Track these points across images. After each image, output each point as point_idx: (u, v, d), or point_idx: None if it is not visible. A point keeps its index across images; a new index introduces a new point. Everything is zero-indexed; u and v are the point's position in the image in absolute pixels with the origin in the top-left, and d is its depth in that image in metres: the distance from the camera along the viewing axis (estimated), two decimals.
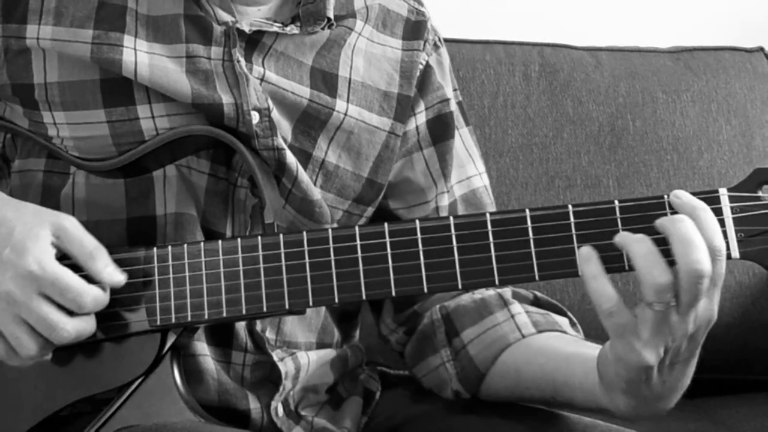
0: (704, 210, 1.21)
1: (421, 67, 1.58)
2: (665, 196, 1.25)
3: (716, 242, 1.20)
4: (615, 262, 1.24)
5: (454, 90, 1.64)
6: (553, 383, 1.39)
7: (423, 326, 1.56)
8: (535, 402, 1.44)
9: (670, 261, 1.19)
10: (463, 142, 1.62)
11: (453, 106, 1.61)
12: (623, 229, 1.24)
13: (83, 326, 1.33)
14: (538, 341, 1.47)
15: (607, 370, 1.27)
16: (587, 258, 1.23)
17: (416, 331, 1.57)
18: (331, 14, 1.50)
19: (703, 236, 1.19)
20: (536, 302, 1.53)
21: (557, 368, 1.39)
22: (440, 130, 1.60)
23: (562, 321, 1.50)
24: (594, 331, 2.22)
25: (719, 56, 2.40)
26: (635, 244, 1.21)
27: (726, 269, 2.21)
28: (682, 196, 1.23)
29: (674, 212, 1.24)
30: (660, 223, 1.22)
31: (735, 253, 1.24)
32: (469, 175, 1.62)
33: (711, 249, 1.19)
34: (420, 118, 1.59)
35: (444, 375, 1.52)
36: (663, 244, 1.20)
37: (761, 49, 2.42)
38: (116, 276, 1.34)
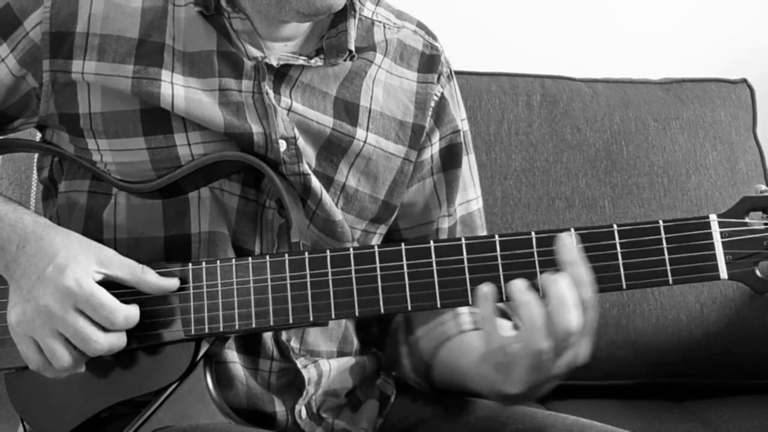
0: (576, 265, 1.23)
1: (435, 98, 1.58)
2: (659, 222, 1.25)
3: (585, 296, 1.22)
4: (612, 282, 1.26)
5: (462, 120, 1.64)
6: (462, 375, 1.44)
7: (391, 331, 1.63)
8: (465, 391, 1.48)
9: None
10: (470, 168, 1.63)
11: (462, 137, 1.61)
12: (621, 251, 1.25)
13: (115, 341, 1.34)
14: (466, 337, 1.52)
15: (478, 383, 1.36)
16: (484, 297, 1.25)
17: (387, 336, 1.63)
18: (352, 47, 1.50)
19: (573, 291, 1.22)
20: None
21: (467, 362, 1.42)
22: (450, 158, 1.60)
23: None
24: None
25: (706, 87, 2.39)
26: (523, 301, 1.23)
27: (713, 283, 2.22)
28: (565, 250, 1.24)
29: (669, 236, 1.25)
30: (541, 279, 1.24)
31: (723, 274, 1.24)
32: (469, 199, 1.63)
33: (583, 300, 1.22)
34: (435, 148, 1.59)
35: (405, 369, 1.59)
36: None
37: (744, 80, 2.41)
38: (170, 281, 1.37)
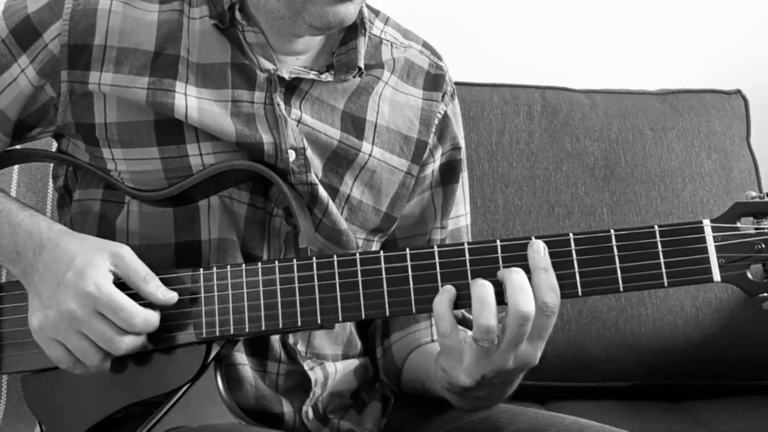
0: (545, 270, 1.26)
1: (439, 116, 1.59)
2: (655, 227, 1.27)
3: (546, 299, 1.25)
4: (609, 285, 1.27)
5: (462, 138, 1.65)
6: (424, 374, 1.49)
7: (368, 334, 1.65)
8: (426, 392, 1.52)
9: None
10: (463, 185, 1.65)
11: (461, 154, 1.63)
12: (618, 255, 1.26)
13: (135, 341, 1.35)
14: (436, 344, 1.53)
15: (438, 376, 1.36)
16: (442, 292, 1.28)
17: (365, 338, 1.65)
18: (362, 64, 1.51)
19: (537, 293, 1.25)
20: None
21: (427, 367, 1.45)
22: (449, 173, 1.61)
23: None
24: (587, 348, 2.24)
25: (701, 98, 2.39)
26: (475, 287, 1.26)
27: (708, 288, 2.23)
28: (537, 253, 1.27)
29: (664, 240, 1.26)
30: (499, 273, 1.28)
31: (716, 276, 1.25)
32: (459, 214, 1.64)
33: (542, 304, 1.25)
34: (437, 163, 1.60)
35: (378, 371, 1.62)
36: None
37: (738, 91, 2.42)
38: (168, 294, 1.37)
